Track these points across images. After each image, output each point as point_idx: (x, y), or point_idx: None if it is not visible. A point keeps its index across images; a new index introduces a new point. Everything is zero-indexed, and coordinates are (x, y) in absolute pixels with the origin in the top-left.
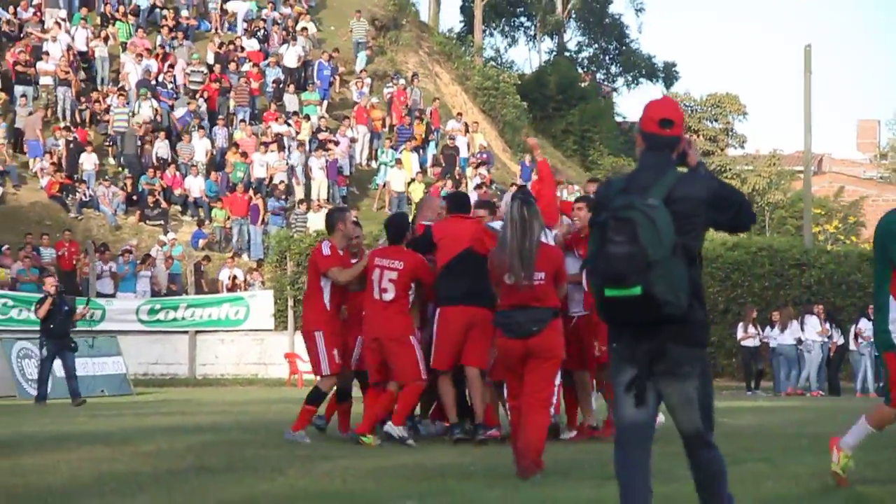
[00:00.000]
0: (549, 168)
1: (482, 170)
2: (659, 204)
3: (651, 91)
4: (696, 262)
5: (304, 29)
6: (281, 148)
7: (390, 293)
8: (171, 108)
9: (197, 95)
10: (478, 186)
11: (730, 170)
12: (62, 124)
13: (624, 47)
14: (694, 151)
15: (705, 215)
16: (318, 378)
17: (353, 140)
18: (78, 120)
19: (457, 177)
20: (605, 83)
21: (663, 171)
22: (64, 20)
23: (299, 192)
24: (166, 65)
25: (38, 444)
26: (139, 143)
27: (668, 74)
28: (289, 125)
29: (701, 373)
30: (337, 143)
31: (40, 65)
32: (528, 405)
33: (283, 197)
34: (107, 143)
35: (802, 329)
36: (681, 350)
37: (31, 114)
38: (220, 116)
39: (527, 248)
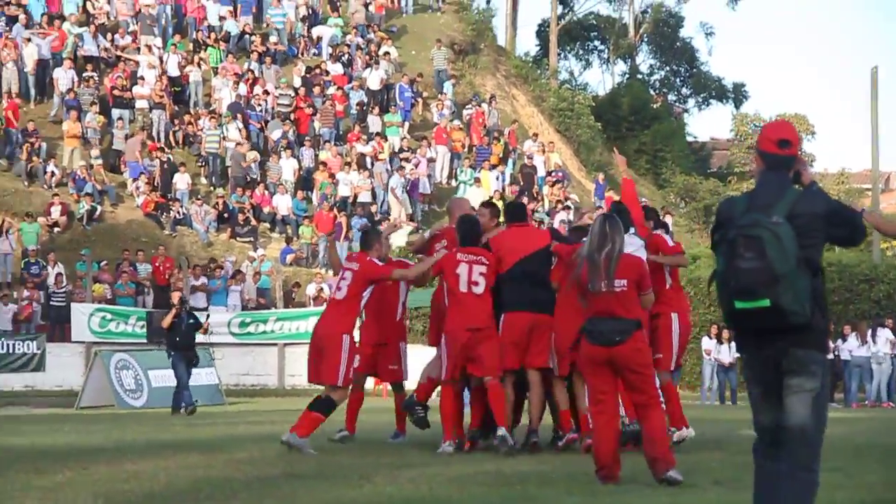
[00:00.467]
0: (633, 186)
1: (558, 188)
2: (783, 221)
3: (721, 112)
4: (818, 273)
5: (387, 53)
6: (364, 167)
7: (481, 286)
8: (261, 129)
9: (290, 117)
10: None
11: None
12: (157, 145)
13: (694, 69)
14: (807, 170)
15: (824, 230)
16: (330, 387)
17: (431, 160)
18: (172, 142)
19: (534, 194)
20: (677, 104)
21: (783, 188)
22: (158, 47)
23: (395, 212)
24: (255, 88)
25: (137, 451)
26: (241, 162)
27: (738, 95)
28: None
29: (821, 376)
30: (417, 165)
31: (136, 89)
32: (640, 410)
33: (366, 215)
34: (199, 164)
35: (875, 342)
36: (804, 353)
37: (128, 136)
38: (307, 137)
39: (604, 257)
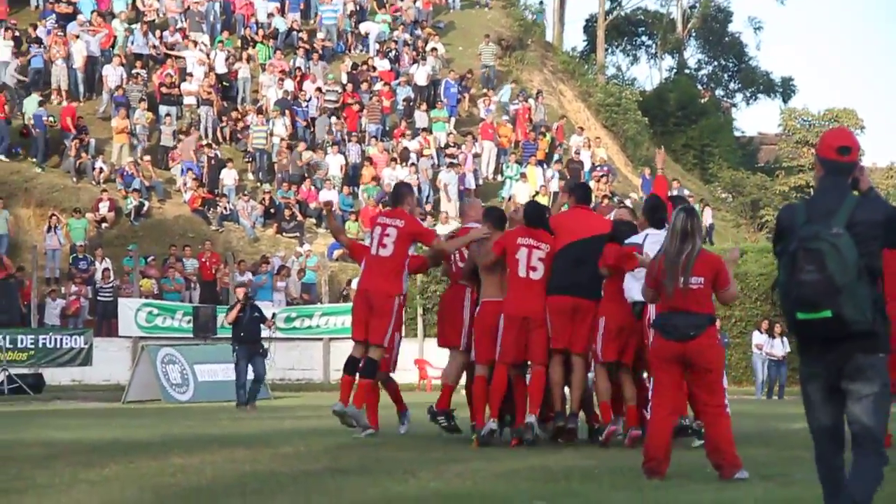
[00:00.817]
0: (666, 185)
1: (604, 182)
2: (843, 231)
3: (769, 106)
4: (878, 279)
5: (434, 49)
6: (410, 163)
7: (539, 272)
8: (308, 125)
9: (337, 113)
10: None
11: None
12: (204, 142)
13: (742, 64)
14: (866, 176)
15: (883, 237)
16: (376, 347)
17: (477, 155)
18: (219, 138)
19: (583, 182)
20: (724, 99)
21: (843, 195)
22: (207, 44)
23: (445, 207)
24: (303, 85)
25: (183, 445)
26: (297, 161)
27: (786, 90)
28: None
29: (880, 378)
30: (463, 162)
31: (184, 86)
32: (707, 416)
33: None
34: (246, 160)
35: None
36: (865, 358)
37: (176, 133)
38: (354, 133)
39: (684, 257)
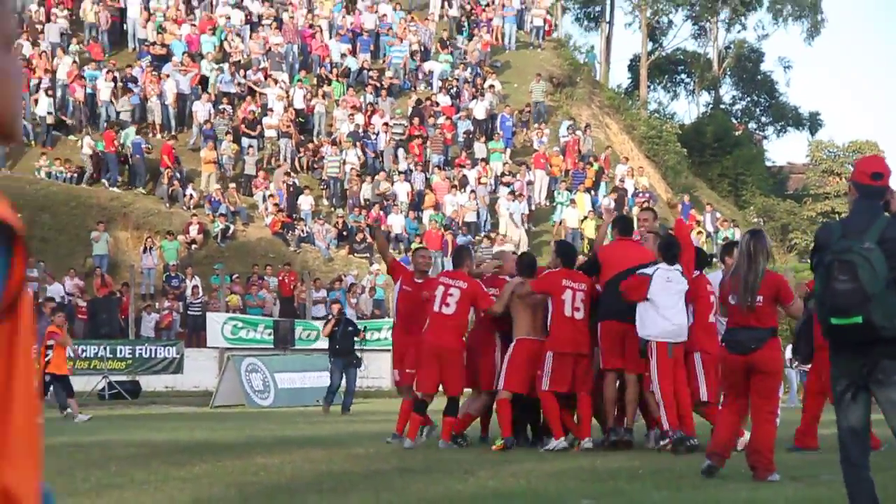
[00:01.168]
0: (688, 230)
1: (647, 215)
2: (874, 246)
3: (798, 138)
4: None
5: (491, 86)
6: (470, 189)
7: (582, 312)
8: (377, 156)
9: (404, 145)
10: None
11: None
12: (283, 171)
13: (773, 100)
14: None
15: None
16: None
17: (530, 183)
18: (297, 167)
19: (625, 213)
20: (757, 132)
21: (875, 216)
22: (286, 82)
23: (510, 233)
24: (372, 118)
25: (265, 446)
26: (376, 190)
27: (813, 123)
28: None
29: None
30: (518, 189)
31: (266, 120)
32: (756, 418)
33: (471, 233)
34: (321, 187)
35: None
36: (891, 363)
37: (258, 162)
38: (419, 163)
39: (751, 278)
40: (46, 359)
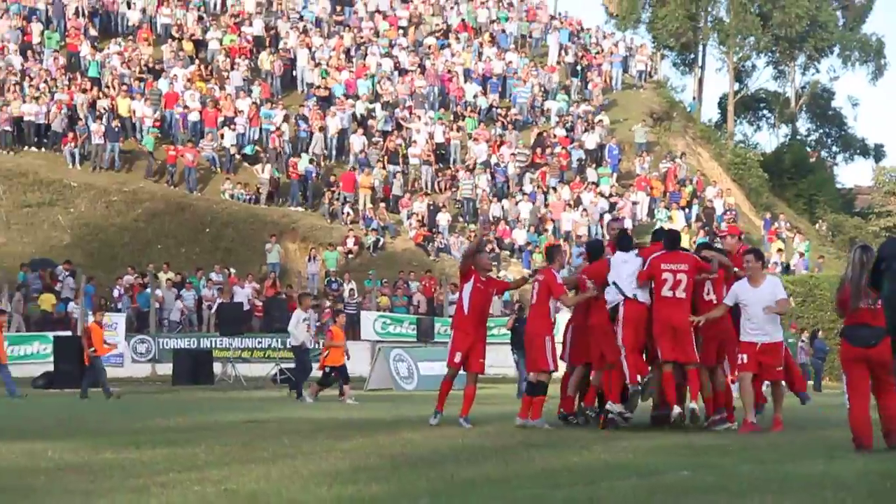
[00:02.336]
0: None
1: (732, 223)
2: None
3: (864, 165)
4: None
5: (601, 121)
6: (582, 208)
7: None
8: (505, 181)
9: (526, 170)
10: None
11: None
12: (426, 192)
13: (843, 132)
14: None
15: None
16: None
17: (634, 203)
18: (436, 189)
19: (714, 230)
20: (828, 159)
21: None
22: (429, 117)
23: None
24: (501, 148)
25: (410, 424)
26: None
27: (877, 152)
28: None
29: None
30: (622, 208)
31: (411, 150)
32: (881, 392)
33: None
34: (457, 206)
35: None
36: None
37: (402, 186)
38: (539, 186)
39: (861, 283)
40: (325, 354)
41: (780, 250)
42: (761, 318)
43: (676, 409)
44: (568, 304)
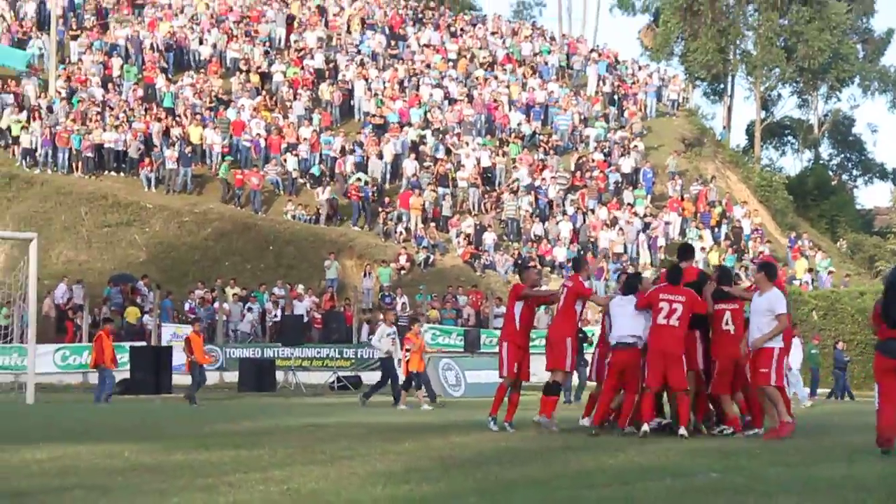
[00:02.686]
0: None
1: (758, 242)
2: None
3: (882, 187)
4: None
5: (636, 146)
6: (619, 227)
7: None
8: (548, 202)
9: (566, 192)
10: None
11: None
12: (473, 213)
13: (863, 156)
14: None
15: None
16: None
17: (667, 223)
18: (482, 210)
19: (741, 247)
20: (849, 182)
21: None
22: (477, 143)
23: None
24: (543, 172)
25: (458, 428)
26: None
27: None
28: (622, 212)
29: None
30: (656, 228)
31: (459, 173)
32: None
33: (620, 261)
34: (501, 226)
35: None
36: None
37: (451, 207)
38: (578, 207)
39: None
40: (406, 359)
41: (810, 269)
42: (754, 326)
43: (645, 427)
44: (600, 303)
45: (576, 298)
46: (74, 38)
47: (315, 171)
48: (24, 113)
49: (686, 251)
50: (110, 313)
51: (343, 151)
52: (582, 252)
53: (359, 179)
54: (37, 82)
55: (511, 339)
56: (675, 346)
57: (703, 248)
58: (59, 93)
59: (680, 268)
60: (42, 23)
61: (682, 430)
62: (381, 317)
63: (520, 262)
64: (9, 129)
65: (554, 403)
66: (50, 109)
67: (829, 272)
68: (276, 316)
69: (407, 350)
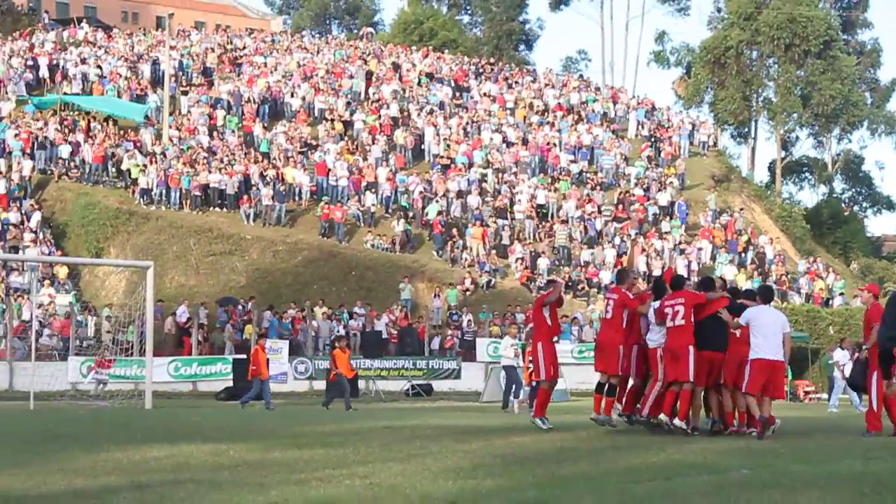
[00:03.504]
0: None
1: (780, 266)
2: None
3: (890, 217)
4: None
5: (671, 182)
6: (656, 252)
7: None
8: (594, 232)
9: (610, 223)
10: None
11: None
12: (528, 241)
13: (871, 190)
14: None
15: None
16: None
17: (699, 249)
18: (536, 238)
19: (765, 270)
20: (859, 213)
21: None
22: (532, 182)
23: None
24: (587, 206)
25: (518, 430)
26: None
27: None
28: (662, 241)
29: None
30: (690, 253)
31: (516, 206)
32: None
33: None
34: (554, 252)
35: None
36: None
37: (510, 236)
38: (622, 234)
39: None
40: (529, 369)
41: (826, 288)
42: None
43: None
44: (643, 311)
45: (622, 308)
46: (184, 93)
47: (404, 203)
48: (142, 158)
49: (706, 283)
50: (216, 331)
51: (415, 189)
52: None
53: (430, 213)
54: (152, 131)
55: (545, 339)
56: (682, 342)
57: (731, 274)
58: (172, 140)
59: (662, 281)
60: (157, 81)
61: (679, 423)
62: (508, 329)
63: (548, 279)
64: (129, 171)
65: (611, 403)
66: (164, 154)
67: (840, 293)
68: (357, 332)
69: (530, 361)
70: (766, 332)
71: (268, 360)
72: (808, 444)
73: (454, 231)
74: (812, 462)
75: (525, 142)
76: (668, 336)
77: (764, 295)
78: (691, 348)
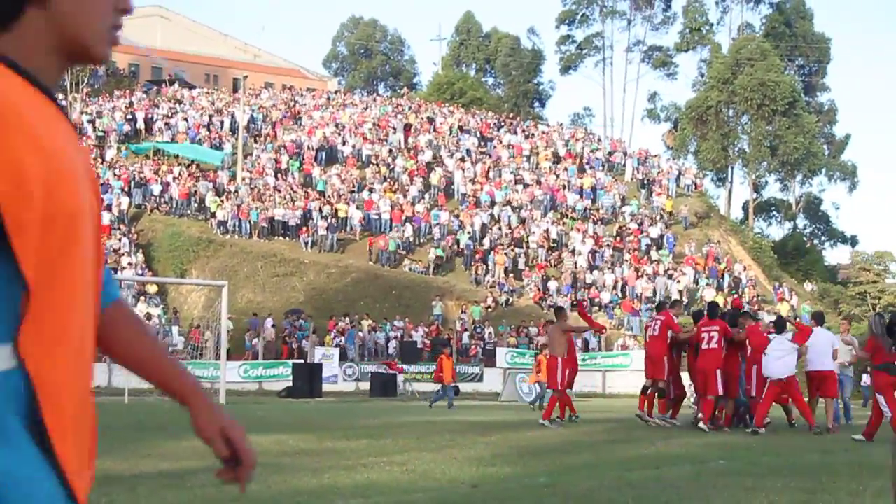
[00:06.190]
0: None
1: (751, 290)
2: None
3: (844, 249)
4: None
5: (661, 217)
6: (647, 277)
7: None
8: (596, 259)
9: (617, 252)
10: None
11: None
12: (540, 266)
13: (829, 226)
14: None
15: None
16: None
17: (683, 273)
18: (549, 264)
19: (739, 293)
20: (818, 245)
21: None
22: (543, 217)
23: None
24: (591, 237)
25: (531, 425)
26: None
27: (853, 241)
28: (656, 269)
29: None
30: (676, 278)
31: (531, 238)
32: None
33: (647, 303)
34: (562, 276)
35: None
36: None
37: (526, 264)
38: (620, 263)
39: (884, 336)
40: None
41: (791, 308)
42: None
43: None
44: (682, 337)
45: (667, 329)
46: (255, 140)
47: (437, 235)
48: (219, 195)
49: (713, 307)
50: (284, 338)
51: (446, 222)
52: (667, 299)
53: (458, 242)
54: (228, 173)
55: (563, 357)
56: (713, 363)
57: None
58: (244, 180)
59: (717, 305)
60: (232, 131)
61: (703, 426)
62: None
63: (553, 307)
64: (208, 206)
65: (664, 404)
66: (237, 192)
67: (804, 312)
68: (397, 341)
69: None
70: (818, 350)
71: (454, 367)
72: (776, 439)
73: (478, 257)
74: (779, 454)
75: (539, 183)
76: (702, 356)
77: (818, 319)
78: (718, 372)
